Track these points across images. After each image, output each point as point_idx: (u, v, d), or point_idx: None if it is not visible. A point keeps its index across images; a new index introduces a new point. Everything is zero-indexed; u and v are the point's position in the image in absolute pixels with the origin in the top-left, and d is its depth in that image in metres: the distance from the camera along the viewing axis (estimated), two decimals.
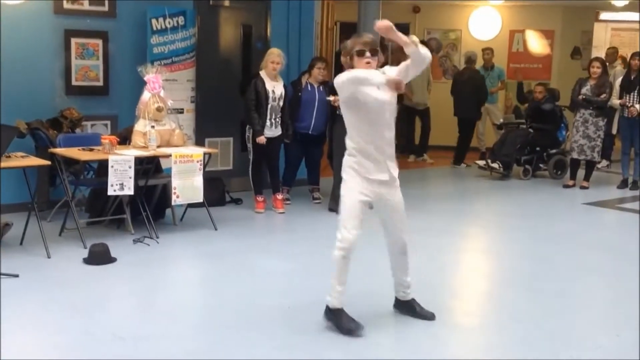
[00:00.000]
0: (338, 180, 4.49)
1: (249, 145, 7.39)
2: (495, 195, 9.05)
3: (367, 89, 4.01)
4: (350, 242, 4.03)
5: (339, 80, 4.04)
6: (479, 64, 11.57)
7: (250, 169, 7.48)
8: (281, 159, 7.74)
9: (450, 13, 12.80)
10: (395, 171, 4.16)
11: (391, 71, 4.09)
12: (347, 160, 4.15)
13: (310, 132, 7.77)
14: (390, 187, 4.16)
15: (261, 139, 7.16)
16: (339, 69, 7.86)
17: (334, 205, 7.20)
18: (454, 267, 5.93)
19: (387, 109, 4.08)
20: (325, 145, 8.21)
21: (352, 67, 4.08)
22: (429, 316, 4.40)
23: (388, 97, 4.07)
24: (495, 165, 9.77)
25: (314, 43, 8.95)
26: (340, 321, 4.15)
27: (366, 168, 4.09)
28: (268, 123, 7.25)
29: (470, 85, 10.76)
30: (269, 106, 7.21)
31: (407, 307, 4.45)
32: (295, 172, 8.07)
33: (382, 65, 4.25)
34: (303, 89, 7.69)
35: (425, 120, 11.28)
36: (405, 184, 4.39)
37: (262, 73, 7.24)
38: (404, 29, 12.58)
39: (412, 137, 11.57)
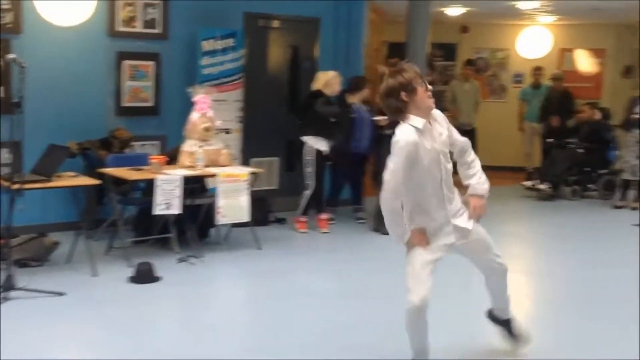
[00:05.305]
0: None
1: (309, 168, 7.35)
2: (543, 217, 8.90)
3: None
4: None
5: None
6: (526, 83, 11.35)
7: (309, 190, 7.38)
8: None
9: (498, 32, 12.69)
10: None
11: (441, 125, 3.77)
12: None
13: (358, 152, 7.81)
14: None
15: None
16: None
17: (377, 225, 7.22)
18: None
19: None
20: (369, 165, 8.23)
21: (406, 103, 3.61)
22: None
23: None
24: (543, 186, 9.61)
25: (362, 63, 8.97)
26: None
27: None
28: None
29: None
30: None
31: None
32: (339, 192, 8.09)
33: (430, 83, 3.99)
34: (354, 110, 7.68)
35: (472, 140, 11.13)
36: None
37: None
38: (452, 49, 12.73)
39: None
